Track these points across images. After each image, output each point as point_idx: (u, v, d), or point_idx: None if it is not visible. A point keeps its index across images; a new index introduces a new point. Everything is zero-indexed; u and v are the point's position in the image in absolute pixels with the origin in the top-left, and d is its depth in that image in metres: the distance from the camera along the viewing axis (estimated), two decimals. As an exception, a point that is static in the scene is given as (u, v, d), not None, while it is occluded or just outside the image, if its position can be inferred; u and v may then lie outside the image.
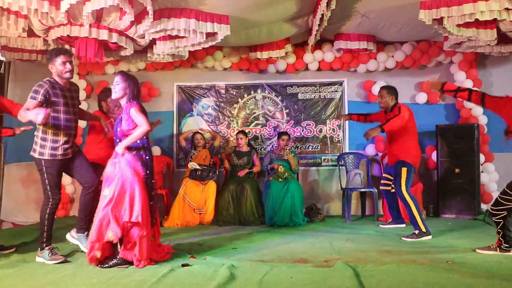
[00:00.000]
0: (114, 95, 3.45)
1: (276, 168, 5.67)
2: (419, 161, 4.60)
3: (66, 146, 3.56)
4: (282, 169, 5.64)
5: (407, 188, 4.38)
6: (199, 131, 6.28)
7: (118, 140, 3.41)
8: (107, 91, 4.70)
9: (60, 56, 3.51)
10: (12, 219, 6.21)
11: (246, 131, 6.34)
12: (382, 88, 4.80)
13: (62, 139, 3.52)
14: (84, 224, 3.78)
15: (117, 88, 3.42)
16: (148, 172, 3.39)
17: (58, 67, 3.51)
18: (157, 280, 2.83)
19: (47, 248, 3.51)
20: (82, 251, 3.73)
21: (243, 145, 5.99)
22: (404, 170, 4.41)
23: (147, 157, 3.42)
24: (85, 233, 3.75)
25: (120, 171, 3.27)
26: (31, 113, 3.30)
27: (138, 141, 3.38)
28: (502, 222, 3.51)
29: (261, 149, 6.45)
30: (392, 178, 4.69)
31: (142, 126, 3.31)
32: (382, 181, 4.98)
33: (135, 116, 3.33)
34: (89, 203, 3.73)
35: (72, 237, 3.82)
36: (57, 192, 3.57)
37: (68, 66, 3.53)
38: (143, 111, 3.40)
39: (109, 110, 4.73)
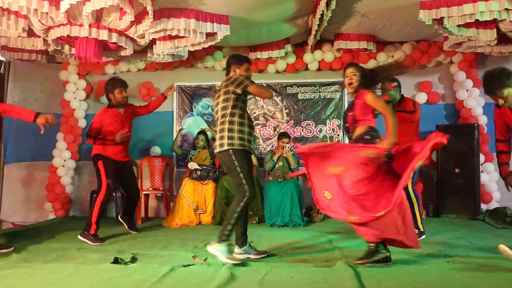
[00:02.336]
0: (352, 86, 3.47)
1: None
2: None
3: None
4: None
5: (412, 185, 4.36)
6: (202, 131, 6.24)
7: (347, 125, 3.46)
8: (116, 82, 4.74)
9: (248, 62, 3.71)
10: (12, 219, 6.21)
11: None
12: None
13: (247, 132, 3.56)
14: (246, 237, 3.62)
15: (354, 78, 3.46)
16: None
17: (243, 71, 3.63)
18: (157, 280, 2.83)
19: (227, 243, 3.39)
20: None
21: None
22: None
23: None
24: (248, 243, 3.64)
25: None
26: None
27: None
28: None
29: (259, 149, 6.45)
30: None
31: (390, 115, 3.26)
32: None
33: (375, 102, 3.34)
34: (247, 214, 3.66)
35: (240, 254, 3.57)
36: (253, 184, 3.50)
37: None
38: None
39: (119, 102, 4.72)
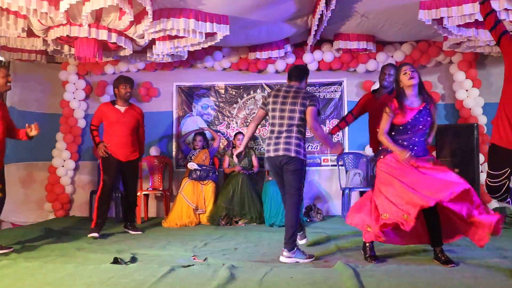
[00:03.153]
0: (415, 80, 3.37)
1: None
2: None
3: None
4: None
5: None
6: (201, 132, 6.26)
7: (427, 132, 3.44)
8: (121, 78, 5.06)
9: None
10: (11, 219, 6.20)
11: (245, 131, 6.33)
12: (390, 65, 4.40)
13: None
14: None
15: (416, 74, 3.39)
16: None
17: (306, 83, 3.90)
18: (157, 280, 2.83)
19: (297, 248, 3.51)
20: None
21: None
22: None
23: None
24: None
25: None
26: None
27: None
28: None
29: (260, 149, 6.45)
30: None
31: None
32: None
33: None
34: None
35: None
36: None
37: None
38: None
39: (122, 96, 4.97)
